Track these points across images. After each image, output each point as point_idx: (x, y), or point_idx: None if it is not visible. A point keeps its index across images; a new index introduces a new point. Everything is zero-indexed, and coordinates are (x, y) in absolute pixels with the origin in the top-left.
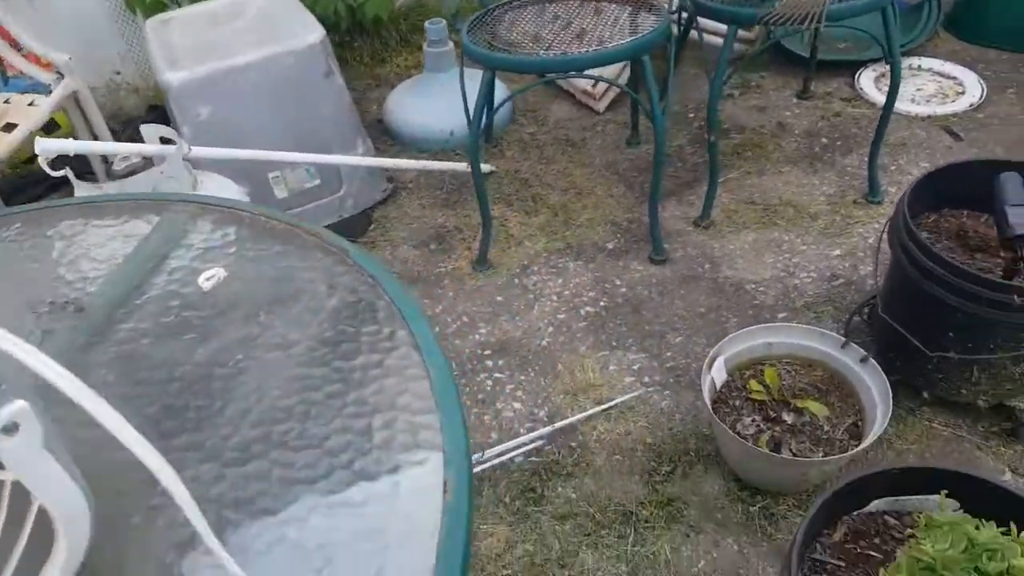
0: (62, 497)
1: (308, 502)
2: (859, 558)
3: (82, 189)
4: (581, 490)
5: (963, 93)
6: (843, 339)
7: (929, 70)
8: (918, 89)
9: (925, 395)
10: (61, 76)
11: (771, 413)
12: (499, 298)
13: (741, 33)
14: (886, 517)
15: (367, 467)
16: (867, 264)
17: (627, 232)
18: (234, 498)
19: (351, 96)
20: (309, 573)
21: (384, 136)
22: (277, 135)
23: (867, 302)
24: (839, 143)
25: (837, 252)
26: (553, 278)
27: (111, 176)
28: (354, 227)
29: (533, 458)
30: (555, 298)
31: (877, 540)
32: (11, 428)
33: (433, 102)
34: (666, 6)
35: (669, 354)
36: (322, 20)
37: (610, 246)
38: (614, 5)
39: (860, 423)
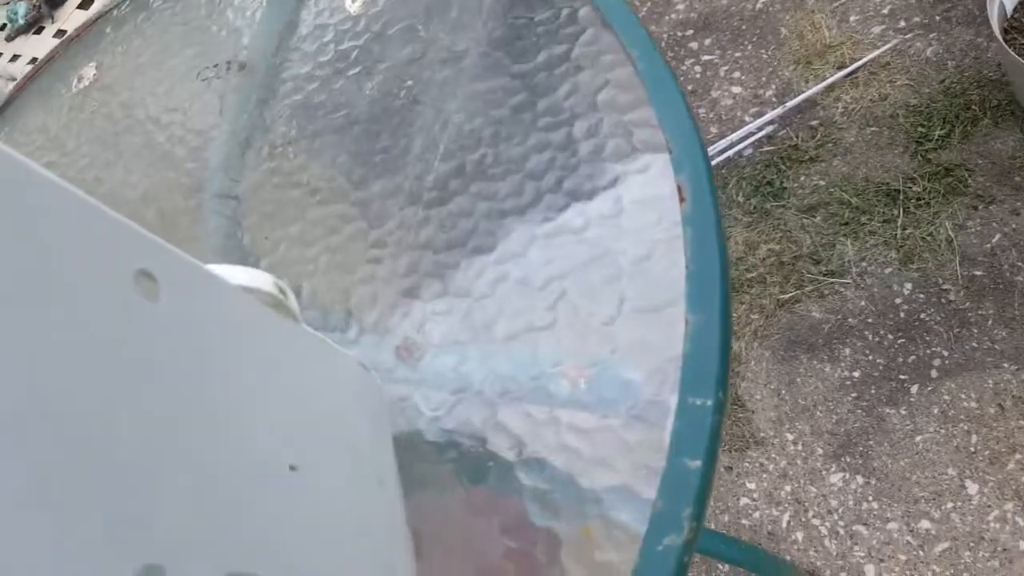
0: None
1: (523, 234)
2: None
3: None
4: (830, 175)
5: None
6: None
7: None
8: None
9: None
10: None
11: None
12: None
13: None
14: None
15: (579, 185)
16: None
17: None
18: (445, 240)
19: None
20: (542, 311)
21: None
22: None
23: None
24: None
25: None
26: None
27: None
28: None
29: (765, 148)
30: None
31: None
32: None
33: None
34: None
35: None
36: None
37: None
38: None
39: None
